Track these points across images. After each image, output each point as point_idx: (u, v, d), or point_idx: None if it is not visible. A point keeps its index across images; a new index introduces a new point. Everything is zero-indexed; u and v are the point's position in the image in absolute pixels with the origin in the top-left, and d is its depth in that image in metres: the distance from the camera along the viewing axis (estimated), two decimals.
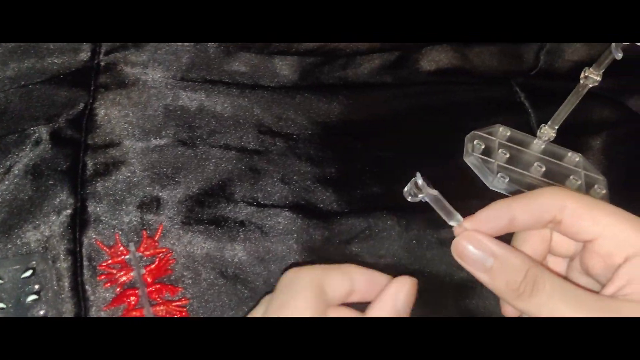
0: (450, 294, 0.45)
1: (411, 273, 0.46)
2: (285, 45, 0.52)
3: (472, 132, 0.54)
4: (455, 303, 0.45)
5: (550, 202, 0.32)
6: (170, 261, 0.42)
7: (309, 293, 0.31)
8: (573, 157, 0.56)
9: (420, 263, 0.46)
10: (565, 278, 0.36)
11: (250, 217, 0.44)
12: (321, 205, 0.47)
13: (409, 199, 0.48)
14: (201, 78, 0.51)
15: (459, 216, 0.34)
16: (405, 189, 0.49)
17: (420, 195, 0.49)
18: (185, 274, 0.42)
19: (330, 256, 0.44)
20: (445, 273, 0.46)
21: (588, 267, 0.34)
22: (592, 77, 0.51)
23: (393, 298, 0.31)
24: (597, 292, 0.31)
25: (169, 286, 0.41)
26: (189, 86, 0.50)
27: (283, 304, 0.31)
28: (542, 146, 0.56)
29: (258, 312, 0.32)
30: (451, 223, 0.34)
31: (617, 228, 0.31)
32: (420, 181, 0.36)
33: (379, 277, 0.33)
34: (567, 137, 0.57)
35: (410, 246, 0.46)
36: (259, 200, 0.46)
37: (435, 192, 0.34)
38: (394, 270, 0.45)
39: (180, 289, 0.41)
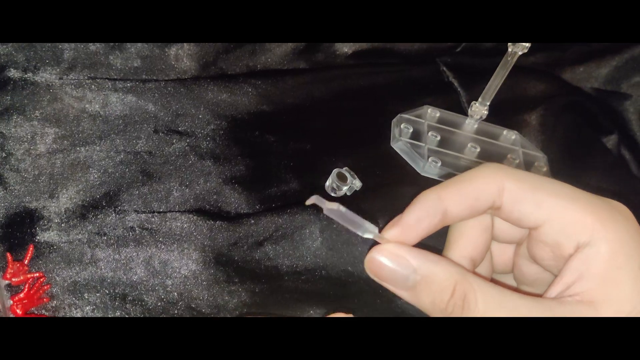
0: (385, 294, 0.40)
1: (338, 275, 0.41)
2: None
3: (399, 115, 0.50)
4: (390, 307, 0.40)
5: (487, 185, 0.28)
6: (45, 287, 0.35)
7: None
8: (509, 135, 0.52)
9: (347, 262, 0.40)
10: (513, 267, 0.33)
11: (142, 225, 0.38)
12: (228, 208, 0.41)
13: (332, 194, 0.43)
14: (84, 76, 0.45)
15: (370, 226, 0.28)
16: (327, 183, 0.45)
17: (345, 188, 0.44)
18: (65, 300, 0.36)
19: (238, 263, 0.39)
20: None
21: (536, 257, 0.30)
22: (520, 44, 0.47)
23: None
24: (540, 296, 0.27)
25: (44, 316, 0.34)
26: (70, 85, 0.44)
27: None
28: (475, 125, 0.52)
29: None
30: (365, 235, 0.28)
31: (565, 212, 0.27)
32: (317, 201, 0.29)
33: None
34: (501, 116, 0.53)
35: (334, 244, 0.41)
36: (153, 208, 0.40)
37: (334, 205, 0.27)
38: (316, 275, 0.39)
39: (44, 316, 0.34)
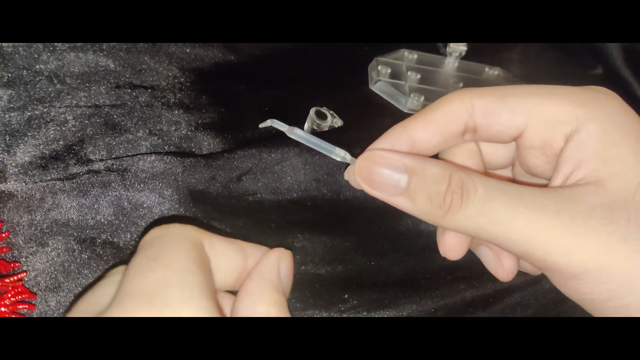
0: (375, 219, 0.38)
1: (325, 204, 0.39)
2: None
3: (375, 58, 0.49)
4: (382, 228, 0.38)
5: (453, 108, 0.27)
6: (3, 235, 0.33)
7: (187, 247, 0.23)
8: (492, 72, 0.51)
9: (333, 191, 0.38)
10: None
11: (108, 168, 0.36)
12: (202, 150, 0.39)
13: (312, 129, 0.42)
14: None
15: (340, 151, 0.29)
16: (306, 125, 0.43)
17: (325, 127, 0.42)
18: (26, 247, 0.33)
19: (217, 199, 0.37)
20: (365, 197, 0.39)
21: (531, 167, 0.29)
22: None
23: (276, 265, 0.25)
24: (543, 186, 0.26)
25: (2, 262, 0.32)
26: (23, 47, 0.42)
27: (152, 258, 0.23)
28: (456, 64, 0.51)
29: (106, 287, 0.24)
30: (335, 157, 0.29)
31: (544, 108, 0.26)
32: (275, 124, 0.29)
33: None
34: (482, 55, 0.53)
35: (318, 174, 0.39)
36: (121, 154, 0.38)
37: (292, 129, 0.29)
38: (302, 206, 0.37)
39: (16, 264, 0.32)
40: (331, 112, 0.43)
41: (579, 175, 0.25)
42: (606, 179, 0.24)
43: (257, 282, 0.25)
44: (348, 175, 0.28)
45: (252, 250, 0.26)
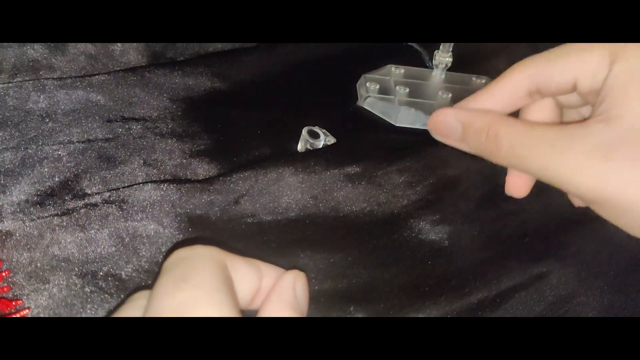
0: (375, 232, 0.38)
1: (324, 220, 0.39)
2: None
3: (363, 75, 0.50)
4: (383, 241, 0.38)
5: (514, 81, 0.32)
6: (3, 273, 0.33)
7: (214, 267, 0.24)
8: (479, 81, 0.52)
9: (331, 207, 0.39)
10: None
11: (106, 200, 0.37)
12: (198, 177, 0.40)
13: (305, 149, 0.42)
14: (28, 79, 0.44)
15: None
16: (299, 145, 0.43)
17: (319, 145, 0.43)
18: (27, 285, 0.33)
19: (216, 223, 0.37)
20: (363, 211, 0.39)
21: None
22: None
23: (292, 287, 0.26)
24: (566, 125, 0.29)
25: (3, 301, 0.32)
26: (13, 89, 0.43)
27: (181, 279, 0.23)
28: (443, 76, 0.52)
29: (130, 311, 0.24)
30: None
31: (585, 63, 0.29)
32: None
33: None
34: (468, 65, 0.53)
35: (315, 191, 0.39)
36: (117, 186, 0.38)
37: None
38: (302, 224, 0.38)
39: (19, 302, 0.32)
40: (323, 130, 0.44)
41: (598, 110, 0.28)
42: (613, 119, 0.27)
43: (276, 303, 0.25)
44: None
45: (268, 271, 0.27)
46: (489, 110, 0.33)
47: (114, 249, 0.35)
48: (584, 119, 0.30)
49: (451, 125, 0.33)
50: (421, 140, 0.45)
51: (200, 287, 0.22)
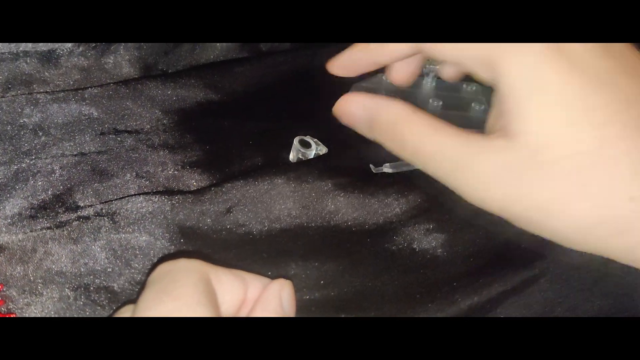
0: (367, 242, 0.39)
1: (316, 230, 0.39)
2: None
3: (354, 85, 0.50)
4: (374, 251, 0.38)
5: (402, 45, 0.31)
6: None
7: (196, 280, 0.24)
8: (469, 88, 0.52)
9: (323, 217, 0.39)
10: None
11: (98, 213, 0.37)
12: (190, 188, 0.40)
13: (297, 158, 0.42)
14: (20, 93, 0.44)
15: None
16: (291, 155, 0.44)
17: (311, 155, 0.43)
18: (20, 298, 0.33)
19: (209, 237, 0.37)
20: (355, 221, 0.40)
21: None
22: None
23: (278, 296, 0.27)
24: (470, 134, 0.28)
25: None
26: (6, 103, 0.43)
27: (162, 292, 0.24)
28: (433, 83, 0.52)
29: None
30: None
31: (468, 61, 0.28)
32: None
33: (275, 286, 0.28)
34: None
35: (307, 201, 0.39)
36: (109, 199, 0.39)
37: None
38: (293, 234, 0.38)
39: (12, 315, 0.32)
40: (315, 140, 0.44)
41: (500, 123, 0.27)
42: (514, 136, 0.26)
43: (261, 313, 0.26)
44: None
45: (253, 281, 0.27)
46: (395, 102, 0.31)
47: (106, 261, 0.35)
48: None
49: (358, 114, 0.32)
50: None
51: (182, 300, 0.23)
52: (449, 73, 0.39)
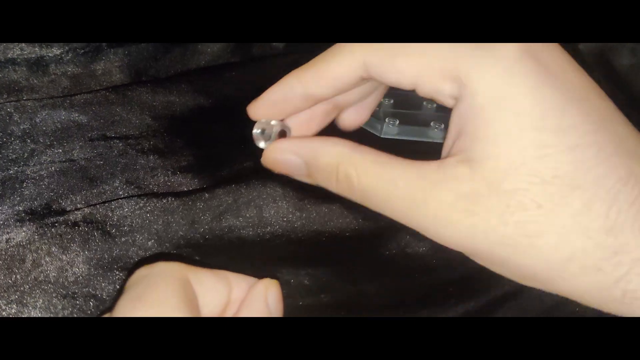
0: (360, 247, 0.38)
1: (308, 234, 0.39)
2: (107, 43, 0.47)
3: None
4: (368, 255, 0.38)
5: (346, 64, 0.27)
6: None
7: (173, 284, 0.24)
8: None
9: (317, 221, 0.39)
10: None
11: (86, 219, 0.37)
12: (181, 193, 0.40)
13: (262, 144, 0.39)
14: (8, 101, 0.44)
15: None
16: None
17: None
18: (7, 308, 0.33)
19: (199, 243, 0.37)
20: (349, 226, 0.39)
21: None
22: None
23: (264, 297, 0.26)
24: (423, 163, 0.25)
25: None
26: None
27: (136, 298, 0.23)
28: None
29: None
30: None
31: (430, 69, 0.25)
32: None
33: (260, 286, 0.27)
34: None
35: (299, 206, 0.39)
36: (98, 206, 0.38)
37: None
38: (285, 239, 0.38)
39: None
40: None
41: (459, 146, 0.24)
42: (477, 162, 0.23)
43: (246, 315, 0.25)
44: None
45: (237, 281, 0.27)
46: (333, 141, 0.28)
47: (93, 269, 0.35)
48: (444, 158, 0.25)
49: (292, 162, 0.28)
50: (407, 152, 0.44)
51: (156, 306, 0.22)
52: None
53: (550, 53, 0.25)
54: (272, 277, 0.36)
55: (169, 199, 0.38)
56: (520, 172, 0.23)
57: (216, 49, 0.51)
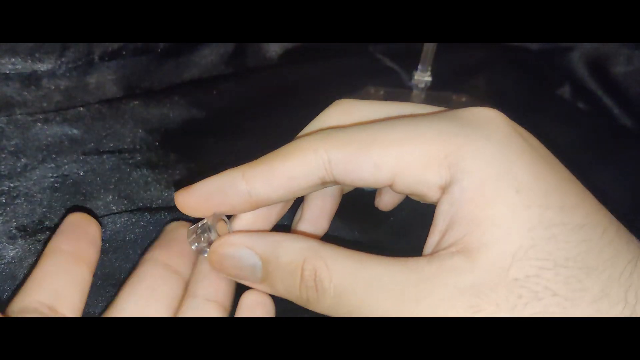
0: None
1: None
2: (100, 52, 0.47)
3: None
4: None
5: (306, 164, 0.24)
6: None
7: None
8: (459, 99, 0.52)
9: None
10: None
11: None
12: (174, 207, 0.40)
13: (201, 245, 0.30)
14: (2, 115, 0.44)
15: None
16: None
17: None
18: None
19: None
20: (345, 239, 0.39)
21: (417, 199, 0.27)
22: None
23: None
24: (408, 258, 0.23)
25: None
26: None
27: None
28: (423, 95, 0.52)
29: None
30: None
31: (411, 158, 0.22)
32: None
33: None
34: (447, 84, 0.54)
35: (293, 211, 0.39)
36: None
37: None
38: None
39: None
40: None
41: (452, 238, 0.22)
42: (477, 249, 0.20)
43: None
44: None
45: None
46: (296, 236, 0.24)
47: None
48: (432, 253, 0.22)
49: (245, 260, 0.24)
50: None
51: None
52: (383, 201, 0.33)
53: (523, 129, 0.23)
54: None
55: (163, 213, 0.38)
56: (530, 256, 0.20)
57: (208, 62, 0.51)
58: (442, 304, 0.20)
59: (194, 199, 0.26)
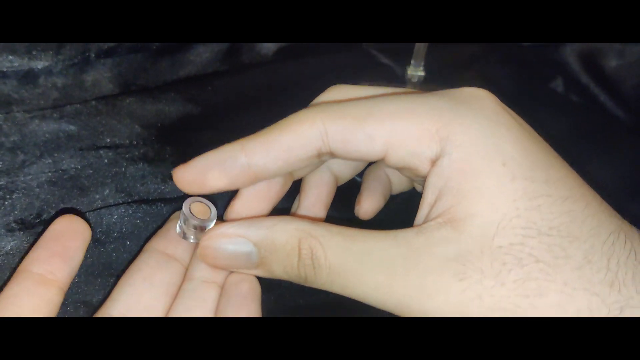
0: None
1: None
2: (96, 50, 0.47)
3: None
4: None
5: (304, 134, 0.25)
6: None
7: None
8: None
9: None
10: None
11: None
12: (171, 201, 0.40)
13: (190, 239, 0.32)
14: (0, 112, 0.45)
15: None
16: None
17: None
18: None
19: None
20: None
21: (407, 176, 0.29)
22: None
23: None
24: (398, 231, 0.23)
25: None
26: None
27: None
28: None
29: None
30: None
31: (403, 131, 0.23)
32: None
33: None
34: (440, 79, 0.54)
35: (289, 205, 0.39)
36: (87, 210, 0.39)
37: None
38: None
39: None
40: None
41: (439, 209, 0.22)
42: (463, 220, 0.21)
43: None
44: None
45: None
46: (289, 218, 0.24)
47: (84, 276, 0.35)
48: (421, 224, 0.23)
49: (240, 249, 0.24)
50: None
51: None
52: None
53: (510, 110, 0.24)
54: (269, 279, 0.37)
55: (159, 204, 0.38)
56: (514, 225, 0.21)
57: (204, 59, 0.52)
58: (429, 273, 0.21)
59: (192, 173, 0.27)
